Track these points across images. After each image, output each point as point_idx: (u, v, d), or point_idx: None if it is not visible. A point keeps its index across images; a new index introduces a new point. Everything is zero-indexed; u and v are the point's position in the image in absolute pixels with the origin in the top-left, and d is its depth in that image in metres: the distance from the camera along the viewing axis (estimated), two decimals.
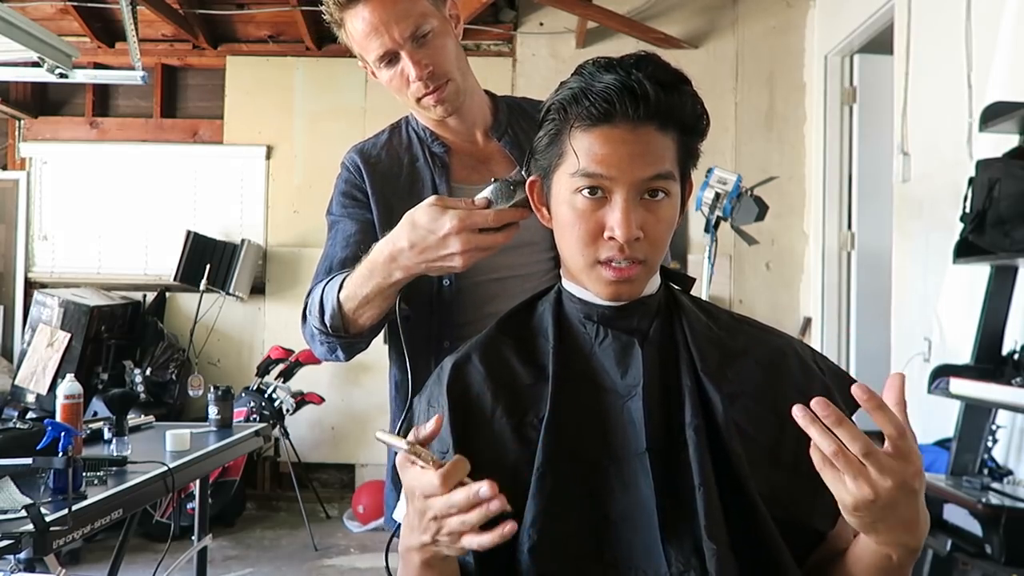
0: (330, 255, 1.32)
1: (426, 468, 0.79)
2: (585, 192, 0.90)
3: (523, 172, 1.03)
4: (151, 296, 4.76)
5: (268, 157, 4.83)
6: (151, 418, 2.81)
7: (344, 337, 1.21)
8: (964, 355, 2.54)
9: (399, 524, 0.91)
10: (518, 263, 1.30)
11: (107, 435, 2.29)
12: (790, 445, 0.90)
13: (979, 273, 2.57)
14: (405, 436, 1.00)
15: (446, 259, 1.05)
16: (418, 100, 1.28)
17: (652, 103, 0.87)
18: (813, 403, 0.73)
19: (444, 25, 1.27)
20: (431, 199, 1.06)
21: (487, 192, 1.05)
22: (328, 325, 1.20)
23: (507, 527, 0.77)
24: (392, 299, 1.15)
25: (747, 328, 1.01)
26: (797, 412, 0.73)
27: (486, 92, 1.42)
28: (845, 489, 0.74)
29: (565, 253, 0.96)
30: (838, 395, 0.95)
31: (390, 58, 1.25)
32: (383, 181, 1.33)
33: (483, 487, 0.77)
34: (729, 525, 0.86)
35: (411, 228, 1.06)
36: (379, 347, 1.39)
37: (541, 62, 4.70)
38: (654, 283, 0.98)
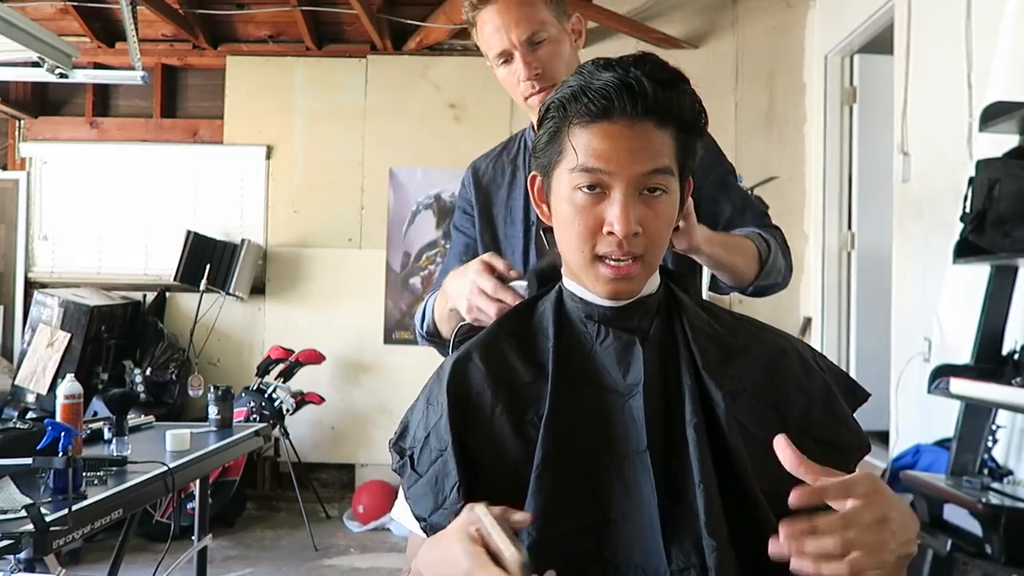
0: (447, 267, 1.49)
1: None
2: (584, 188, 0.90)
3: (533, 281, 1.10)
4: (151, 296, 4.77)
5: (268, 157, 4.84)
6: (151, 418, 2.81)
7: (439, 343, 1.37)
8: (964, 355, 2.54)
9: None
10: None
11: (107, 435, 2.29)
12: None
13: (979, 273, 2.57)
14: (397, 442, 0.99)
15: (459, 299, 1.19)
16: (526, 99, 1.39)
17: (650, 99, 0.88)
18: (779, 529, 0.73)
19: (561, 35, 1.39)
20: (484, 257, 1.19)
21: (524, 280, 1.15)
22: (425, 331, 1.39)
23: None
24: (458, 319, 1.26)
25: (747, 326, 1.01)
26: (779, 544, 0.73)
27: None
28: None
29: (565, 249, 0.96)
30: (839, 394, 0.95)
31: (506, 58, 1.38)
32: (485, 193, 1.48)
33: None
34: (730, 522, 0.85)
35: (466, 268, 1.21)
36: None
37: None
38: (654, 282, 0.98)
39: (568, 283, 1.00)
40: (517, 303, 1.09)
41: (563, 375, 0.94)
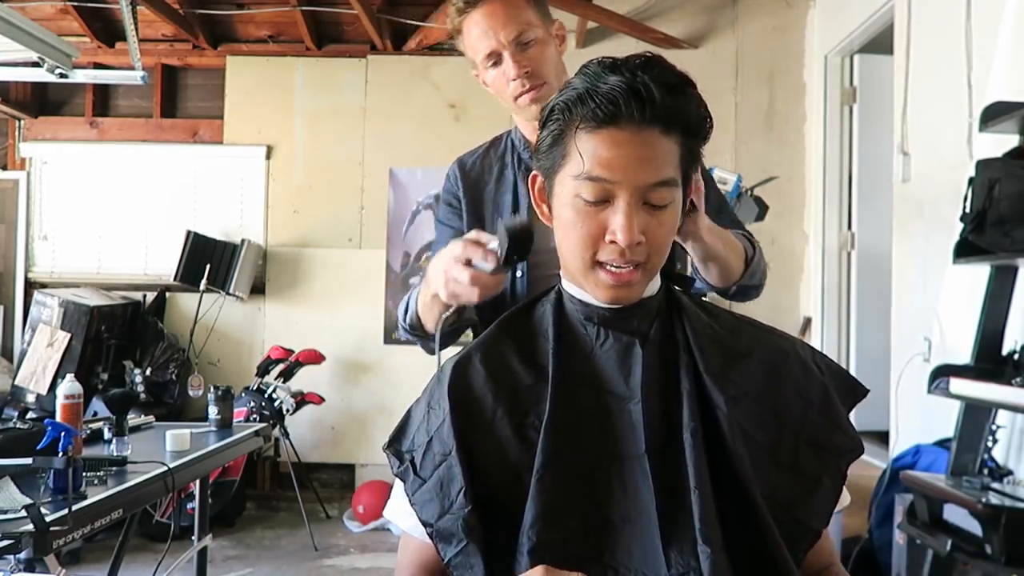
0: None
1: None
2: (588, 196, 0.89)
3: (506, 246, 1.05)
4: (151, 296, 4.77)
5: (268, 157, 4.83)
6: (151, 418, 2.81)
7: (421, 336, 1.36)
8: (964, 355, 2.54)
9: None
10: None
11: (107, 435, 2.29)
12: (788, 446, 0.91)
13: (979, 273, 2.56)
14: (393, 444, 0.99)
15: (437, 278, 1.13)
16: (515, 99, 1.40)
17: (658, 106, 0.86)
18: None
19: (547, 37, 1.41)
20: (469, 234, 1.14)
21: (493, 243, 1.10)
22: (407, 323, 1.37)
23: None
24: (441, 309, 1.21)
25: (748, 328, 1.00)
26: None
27: None
28: None
29: (565, 254, 0.95)
30: (836, 394, 0.95)
31: (495, 59, 1.39)
32: (473, 187, 1.48)
33: None
34: (728, 527, 0.85)
35: (446, 248, 1.16)
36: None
37: None
38: (654, 284, 0.98)
39: (567, 285, 1.00)
40: (491, 267, 1.06)
41: (563, 378, 0.93)
